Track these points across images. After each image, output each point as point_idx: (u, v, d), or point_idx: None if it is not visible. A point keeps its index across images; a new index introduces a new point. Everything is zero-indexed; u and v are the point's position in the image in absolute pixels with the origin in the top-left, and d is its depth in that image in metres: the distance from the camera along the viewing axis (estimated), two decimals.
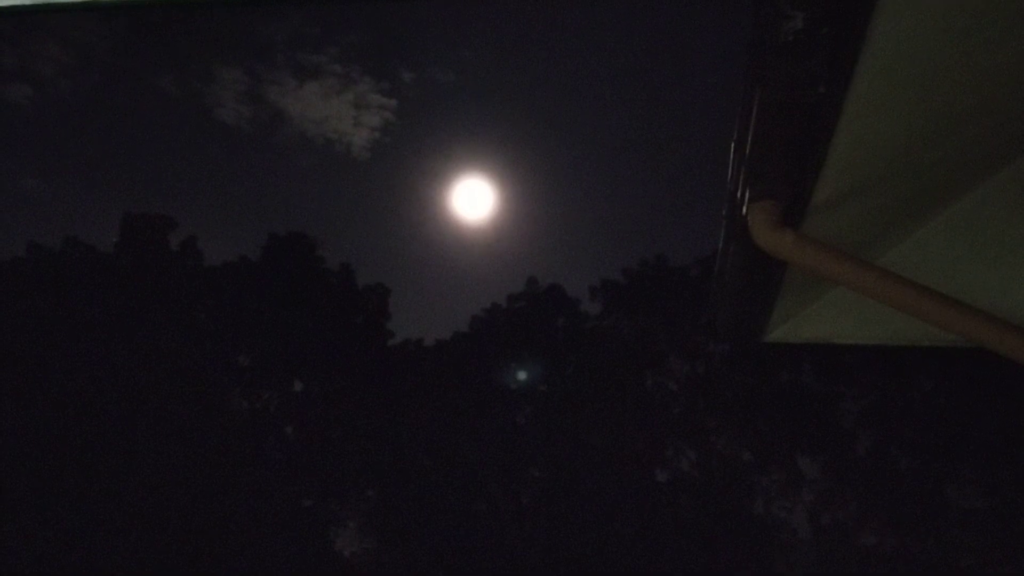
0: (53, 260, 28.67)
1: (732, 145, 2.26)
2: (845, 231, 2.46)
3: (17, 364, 25.92)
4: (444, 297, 48.84)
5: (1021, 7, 1.79)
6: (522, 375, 29.96)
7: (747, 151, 2.11)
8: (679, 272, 30.70)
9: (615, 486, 26.75)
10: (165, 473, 25.29)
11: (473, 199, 44.94)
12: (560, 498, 27.17)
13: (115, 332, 27.05)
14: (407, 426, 28.23)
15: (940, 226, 2.57)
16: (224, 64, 42.44)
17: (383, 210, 51.71)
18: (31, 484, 24.50)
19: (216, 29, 42.83)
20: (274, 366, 29.27)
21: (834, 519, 26.65)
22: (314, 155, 46.17)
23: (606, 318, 30.98)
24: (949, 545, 24.74)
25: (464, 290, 48.36)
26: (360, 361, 29.47)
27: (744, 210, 2.24)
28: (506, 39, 51.44)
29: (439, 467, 27.93)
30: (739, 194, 2.25)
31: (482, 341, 30.65)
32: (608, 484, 26.77)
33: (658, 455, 28.22)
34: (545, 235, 49.05)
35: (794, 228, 2.24)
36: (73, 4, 2.42)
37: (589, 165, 53.25)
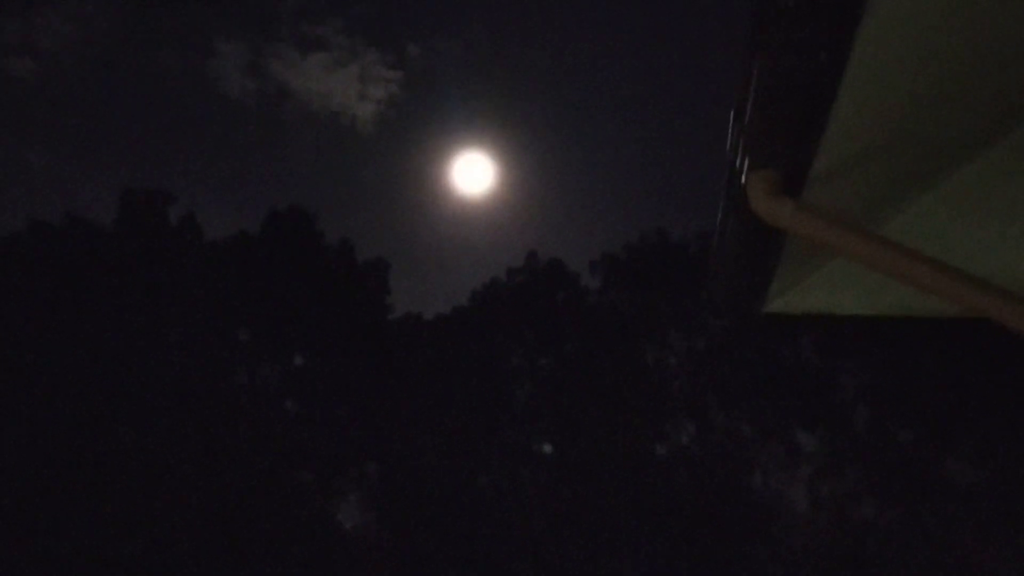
0: (53, 236, 28.64)
1: (731, 113, 2.23)
2: (845, 200, 2.44)
3: (17, 340, 25.95)
4: (444, 271, 48.86)
5: None
6: (521, 349, 30.01)
7: (747, 119, 2.08)
8: (680, 247, 30.71)
9: (614, 460, 26.88)
10: (165, 448, 25.40)
11: (474, 173, 44.84)
12: (559, 471, 27.30)
13: (115, 307, 27.06)
14: (407, 400, 28.32)
15: (942, 195, 2.54)
16: (227, 37, 42.20)
17: (386, 184, 51.61)
18: (31, 454, 24.60)
19: (219, 1, 42.53)
20: (274, 341, 29.32)
21: (832, 492, 26.79)
22: (318, 129, 46.01)
23: (606, 293, 31.01)
24: (946, 518, 24.88)
25: (464, 264, 48.38)
26: (360, 336, 29.52)
27: (743, 179, 2.21)
28: (512, 13, 51.13)
29: (438, 441, 28.05)
30: (738, 163, 2.22)
31: (482, 315, 30.69)
32: (607, 458, 26.89)
33: (657, 429, 28.34)
34: (546, 210, 49.04)
35: (794, 197, 2.21)
36: None
37: (591, 140, 53.08)
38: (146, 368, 26.39)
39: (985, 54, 2.08)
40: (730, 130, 2.23)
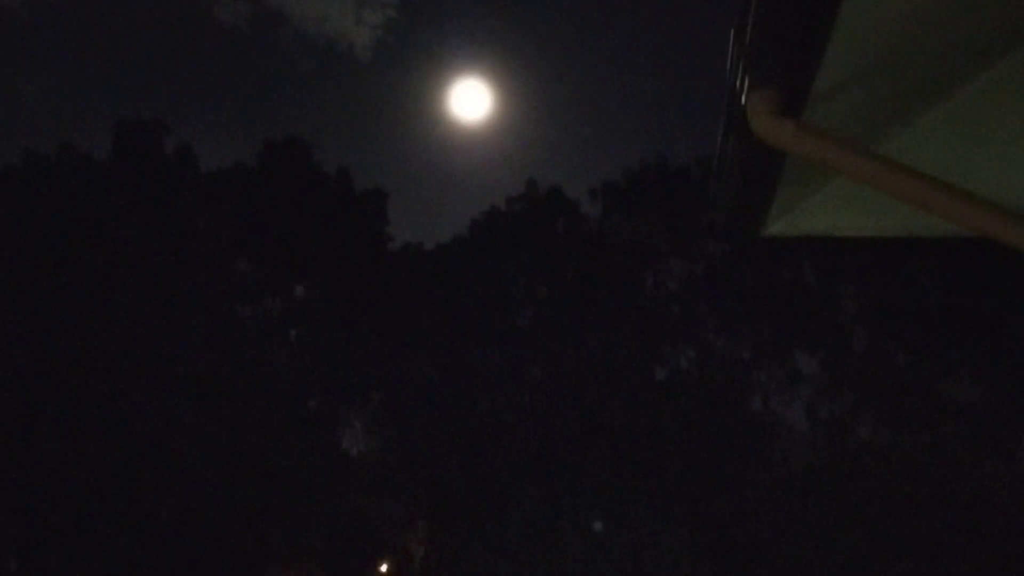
0: (49, 168, 28.45)
1: (731, 33, 2.19)
2: (847, 120, 2.41)
3: (14, 273, 25.96)
4: (443, 200, 48.67)
5: None
6: (521, 277, 30.06)
7: (746, 38, 2.05)
8: (680, 172, 30.47)
9: (614, 384, 27.13)
10: (169, 380, 25.62)
11: (473, 100, 44.32)
12: (560, 397, 27.59)
13: (111, 239, 27.01)
14: (408, 329, 28.48)
15: (944, 114, 2.51)
16: None
17: (383, 112, 51.02)
18: (28, 385, 24.80)
19: None
20: (275, 272, 29.35)
21: (831, 413, 27.12)
22: (314, 56, 45.27)
23: (606, 219, 30.91)
24: (943, 437, 25.23)
25: (463, 193, 48.16)
26: (360, 266, 29.53)
27: (743, 99, 2.18)
28: None
29: (441, 369, 28.30)
30: (738, 83, 2.19)
31: (482, 244, 30.65)
32: (608, 383, 27.14)
33: (657, 353, 28.54)
34: (545, 137, 48.55)
35: (795, 117, 2.19)
36: None
37: (590, 66, 52.36)
38: (145, 301, 26.46)
39: None
40: (730, 50, 2.20)
